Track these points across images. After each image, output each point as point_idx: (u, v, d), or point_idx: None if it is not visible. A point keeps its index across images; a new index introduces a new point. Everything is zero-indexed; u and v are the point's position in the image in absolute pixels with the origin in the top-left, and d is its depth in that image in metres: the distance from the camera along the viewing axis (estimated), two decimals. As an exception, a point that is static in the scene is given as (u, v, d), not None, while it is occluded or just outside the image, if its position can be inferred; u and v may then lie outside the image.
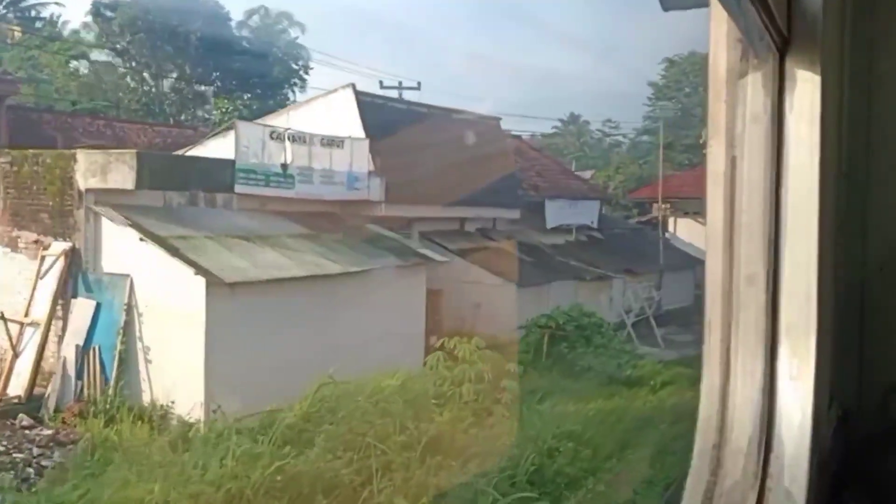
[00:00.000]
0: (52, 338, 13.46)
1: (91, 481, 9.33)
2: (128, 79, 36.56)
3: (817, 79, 1.57)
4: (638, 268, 28.22)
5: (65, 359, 12.97)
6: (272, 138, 16.29)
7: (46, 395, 12.90)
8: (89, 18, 36.78)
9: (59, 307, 13.41)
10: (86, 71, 36.89)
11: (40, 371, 13.16)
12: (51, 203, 13.95)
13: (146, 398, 12.89)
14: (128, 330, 13.28)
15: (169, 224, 13.73)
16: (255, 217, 15.72)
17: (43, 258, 13.52)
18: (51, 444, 11.48)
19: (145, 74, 35.86)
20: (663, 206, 40.08)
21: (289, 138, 16.63)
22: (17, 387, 13.17)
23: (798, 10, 1.57)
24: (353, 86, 18.86)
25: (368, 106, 21.23)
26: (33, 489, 9.84)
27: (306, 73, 43.45)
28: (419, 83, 30.76)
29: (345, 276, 14.98)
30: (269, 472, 8.30)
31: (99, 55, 37.59)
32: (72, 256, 13.65)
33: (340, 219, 18.17)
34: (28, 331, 13.64)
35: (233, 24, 38.76)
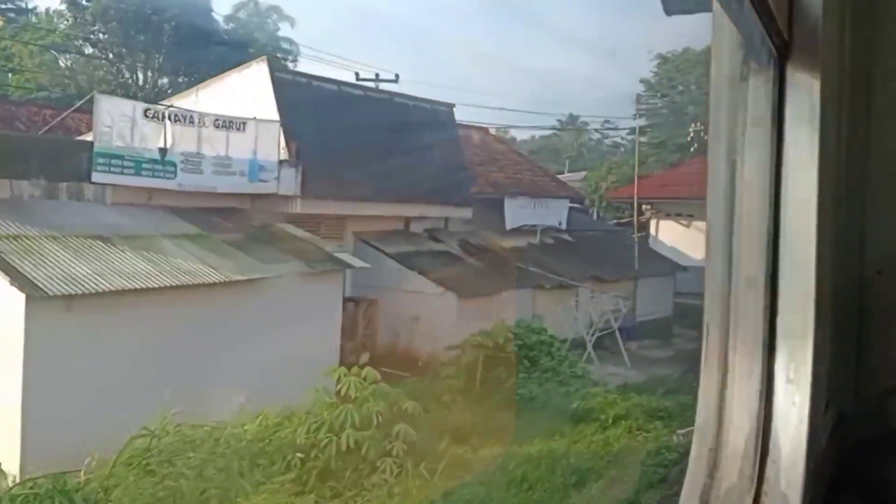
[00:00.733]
0: None
1: None
2: (103, 70, 36.43)
3: (817, 84, 1.58)
4: (609, 275, 26.78)
5: None
6: (147, 117, 14.32)
7: None
8: (63, 7, 35.33)
9: None
10: (64, 63, 37.38)
11: None
12: None
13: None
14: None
15: (3, 221, 11.44)
16: (131, 213, 13.91)
17: None
18: None
19: (121, 66, 36.22)
20: (645, 207, 38.97)
21: (169, 118, 14.68)
22: None
23: (799, 16, 1.59)
24: (268, 59, 15.56)
25: (286, 84, 19.51)
26: None
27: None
28: (396, 75, 28.72)
29: (230, 287, 13.08)
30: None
31: (72, 45, 37.19)
32: None
33: (247, 216, 16.65)
34: None
35: (215, 14, 38.29)
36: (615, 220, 36.78)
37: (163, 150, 12.30)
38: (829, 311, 1.68)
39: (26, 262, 10.11)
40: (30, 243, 10.73)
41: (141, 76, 34.58)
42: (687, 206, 35.51)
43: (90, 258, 10.99)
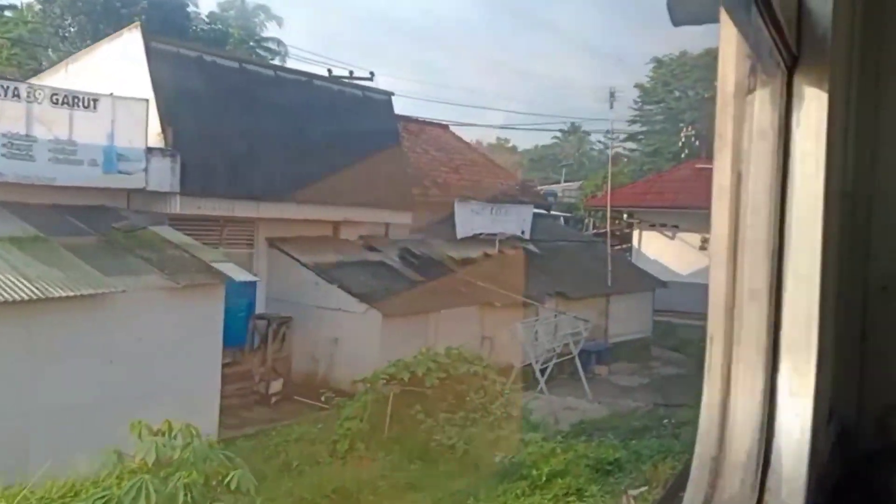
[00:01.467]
0: None
1: None
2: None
3: (825, 96, 1.62)
4: (576, 291, 23.82)
5: None
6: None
7: None
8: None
9: None
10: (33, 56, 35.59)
11: None
12: None
13: None
14: None
15: None
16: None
17: None
18: None
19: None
20: (629, 218, 35.70)
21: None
22: None
23: (807, 28, 1.62)
24: (140, 25, 12.25)
25: (165, 56, 16.51)
26: None
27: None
28: (371, 73, 25.78)
29: (55, 304, 10.29)
30: None
31: (41, 38, 35.87)
32: None
33: (116, 216, 13.98)
34: None
35: (190, 10, 38.28)
36: (594, 231, 33.25)
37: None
38: (832, 324, 1.71)
39: None
40: None
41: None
42: (672, 216, 33.32)
43: None
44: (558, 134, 66.06)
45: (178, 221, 13.99)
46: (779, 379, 1.63)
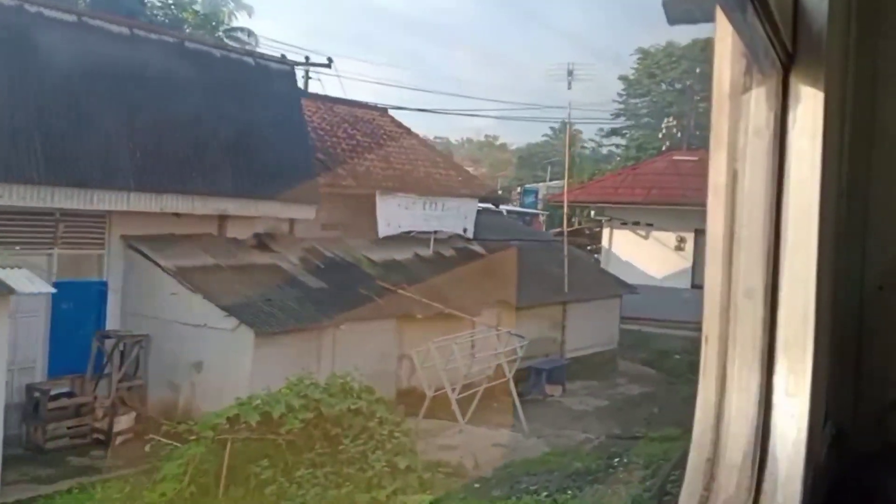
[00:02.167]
0: None
1: None
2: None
3: (821, 95, 1.64)
4: (525, 299, 20.32)
5: None
6: None
7: None
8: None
9: None
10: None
11: None
12: None
13: None
14: None
15: None
16: None
17: None
18: None
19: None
20: (596, 215, 33.25)
21: None
22: None
23: (803, 26, 1.65)
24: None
25: None
26: None
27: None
28: (329, 59, 25.56)
29: None
30: None
31: None
32: None
33: None
34: None
35: None
36: (558, 230, 29.76)
37: None
38: (828, 324, 1.77)
39: None
40: None
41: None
42: (646, 213, 30.12)
43: None
44: (549, 131, 64.28)
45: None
46: (775, 379, 1.66)
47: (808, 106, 1.60)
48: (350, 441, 10.82)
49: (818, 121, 1.59)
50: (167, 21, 35.54)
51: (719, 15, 1.58)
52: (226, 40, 38.31)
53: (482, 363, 16.05)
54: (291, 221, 17.42)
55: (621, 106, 57.09)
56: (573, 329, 22.51)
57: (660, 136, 40.59)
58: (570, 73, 23.90)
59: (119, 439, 13.05)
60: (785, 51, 1.57)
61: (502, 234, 24.67)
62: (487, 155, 72.18)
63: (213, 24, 39.05)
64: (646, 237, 29.76)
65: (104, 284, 14.52)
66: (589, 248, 32.01)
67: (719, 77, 1.64)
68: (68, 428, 12.65)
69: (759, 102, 1.61)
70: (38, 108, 12.96)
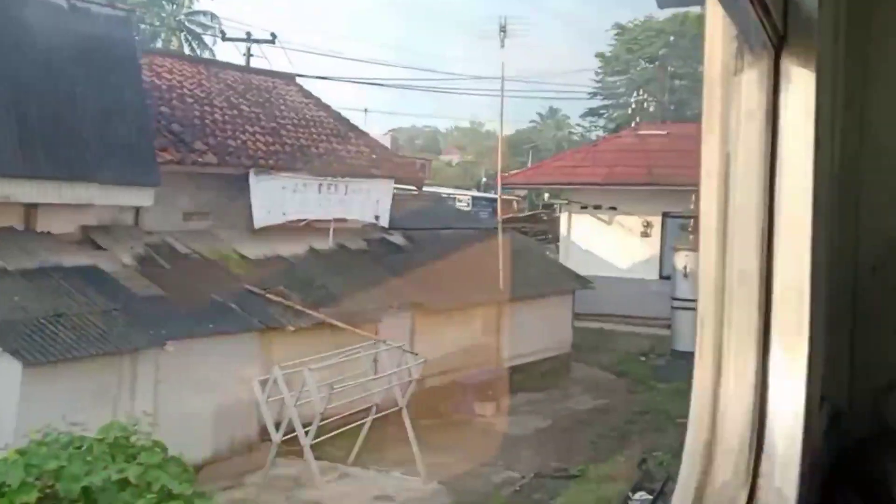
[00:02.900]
0: None
1: None
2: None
3: (812, 76, 1.65)
4: (448, 298, 16.88)
5: None
6: None
7: None
8: None
9: None
10: None
11: None
12: None
13: None
14: None
15: None
16: None
17: None
18: None
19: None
20: (553, 199, 30.06)
21: None
22: None
23: (794, 7, 1.65)
24: None
25: None
26: None
27: (191, 39, 39.57)
28: (273, 34, 24.57)
29: None
30: None
31: None
32: None
33: None
34: None
35: None
36: (509, 216, 26.05)
37: None
38: (823, 307, 1.78)
39: None
40: None
41: None
42: (609, 195, 26.20)
43: None
44: (536, 117, 63.59)
45: None
46: (770, 361, 1.66)
47: (800, 87, 1.62)
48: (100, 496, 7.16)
49: (810, 102, 1.62)
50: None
51: None
52: (187, 24, 38.09)
53: (363, 389, 12.38)
54: (137, 210, 13.83)
55: (598, 85, 54.33)
56: (514, 333, 19.84)
57: (629, 111, 37.40)
58: (501, 28, 20.39)
59: None
60: (776, 32, 1.60)
61: (435, 222, 21.02)
62: (472, 142, 71.28)
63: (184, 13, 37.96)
64: (609, 222, 26.53)
65: None
66: (547, 235, 28.50)
67: (710, 59, 1.66)
68: None
69: (750, 84, 1.63)
70: None
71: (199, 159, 15.12)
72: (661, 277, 25.18)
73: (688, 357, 17.50)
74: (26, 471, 8.22)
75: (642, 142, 28.12)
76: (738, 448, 1.62)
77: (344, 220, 17.32)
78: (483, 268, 20.42)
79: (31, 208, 12.66)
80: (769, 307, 1.63)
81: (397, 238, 19.13)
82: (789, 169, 1.61)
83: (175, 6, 39.39)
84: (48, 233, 12.91)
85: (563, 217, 28.25)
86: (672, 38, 46.97)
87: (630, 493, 12.34)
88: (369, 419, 12.94)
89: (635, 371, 23.27)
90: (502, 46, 22.67)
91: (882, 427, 1.99)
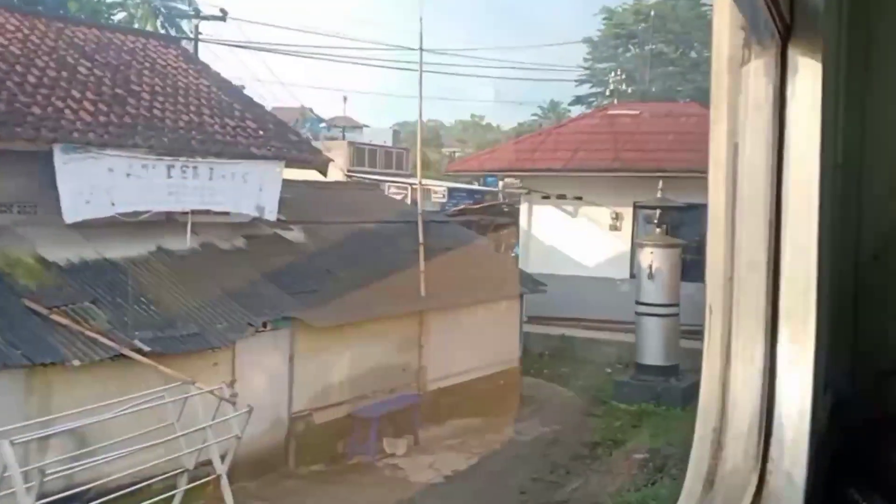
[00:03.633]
0: None
1: None
2: None
3: (818, 67, 1.64)
4: (350, 309, 13.32)
5: None
6: None
7: None
8: None
9: None
10: None
11: None
12: None
13: None
14: None
15: None
16: None
17: None
18: None
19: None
20: (510, 188, 27.34)
21: None
22: None
23: None
24: None
25: None
26: None
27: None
28: (223, 10, 21.78)
29: None
30: None
31: None
32: None
33: None
34: None
35: None
36: (458, 209, 22.02)
37: None
38: (828, 294, 1.80)
39: None
40: None
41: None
42: (573, 184, 22.21)
43: None
44: (538, 111, 61.71)
45: None
46: (778, 348, 1.68)
47: (807, 78, 1.62)
48: None
49: (816, 92, 1.63)
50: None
51: None
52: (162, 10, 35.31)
53: (167, 451, 8.65)
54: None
55: (587, 72, 50.92)
56: (443, 348, 16.16)
57: (607, 92, 33.89)
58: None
59: None
60: (783, 22, 1.60)
61: (358, 215, 17.24)
62: (474, 135, 71.62)
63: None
64: (574, 214, 22.45)
65: None
66: (505, 230, 24.76)
67: (718, 50, 1.67)
68: None
69: (758, 75, 1.63)
70: None
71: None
72: (632, 276, 22.03)
73: (654, 372, 16.21)
74: None
75: (611, 123, 25.30)
76: (748, 433, 1.64)
77: (209, 213, 12.96)
78: (404, 270, 16.93)
79: None
80: (777, 295, 1.64)
81: (295, 234, 15.50)
82: (796, 159, 1.61)
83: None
84: None
85: (524, 208, 25.92)
86: (653, 13, 43.99)
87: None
88: (180, 491, 9.19)
89: (598, 386, 19.94)
90: (420, 16, 19.23)
91: (884, 412, 2.05)
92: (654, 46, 47.21)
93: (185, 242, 13.03)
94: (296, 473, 11.72)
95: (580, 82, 58.66)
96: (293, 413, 12.55)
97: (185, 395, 9.52)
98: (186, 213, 12.83)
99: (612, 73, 41.21)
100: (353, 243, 16.20)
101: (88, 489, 7.83)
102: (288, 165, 16.43)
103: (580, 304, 21.59)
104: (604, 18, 57.07)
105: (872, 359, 2.02)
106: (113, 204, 12.01)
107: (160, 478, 8.82)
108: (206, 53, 27.08)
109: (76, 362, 9.84)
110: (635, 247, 22.26)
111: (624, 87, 37.51)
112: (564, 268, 22.09)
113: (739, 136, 1.60)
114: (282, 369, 12.41)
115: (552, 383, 18.89)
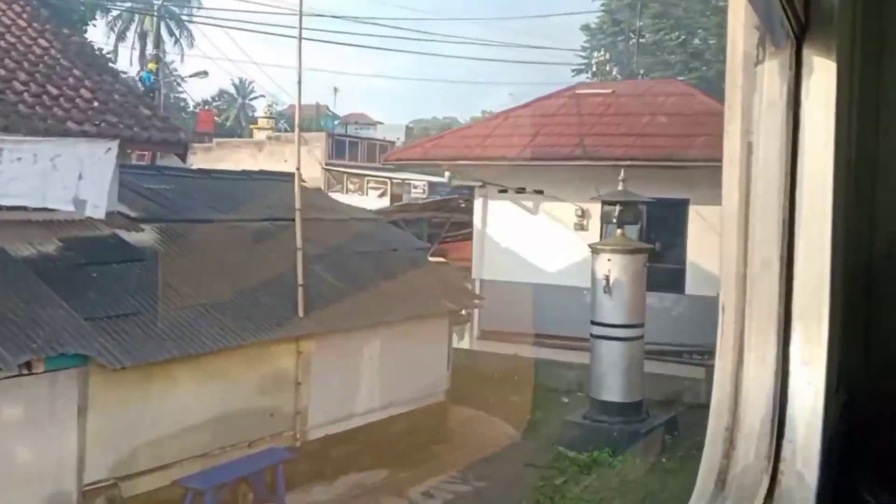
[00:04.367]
0: None
1: None
2: None
3: (833, 66, 1.67)
4: (181, 340, 9.62)
5: None
6: None
7: None
8: None
9: None
10: None
11: None
12: None
13: None
14: None
15: None
16: None
17: None
18: None
19: None
20: (458, 180, 20.07)
21: None
22: None
23: None
24: None
25: None
26: None
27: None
28: None
29: None
30: None
31: None
32: None
33: None
34: None
35: None
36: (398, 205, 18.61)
37: None
38: (841, 293, 1.82)
39: None
40: None
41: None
42: (532, 176, 18.18)
43: None
44: None
45: None
46: (791, 347, 1.67)
47: (821, 77, 1.63)
48: None
49: (831, 92, 1.64)
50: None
51: None
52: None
53: None
54: None
55: (584, 61, 47.52)
56: (334, 383, 12.69)
57: (589, 74, 30.56)
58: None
59: None
60: (798, 22, 1.63)
61: (244, 213, 13.68)
62: None
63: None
64: (534, 211, 18.79)
65: None
66: (455, 234, 21.30)
67: (733, 49, 1.66)
68: None
69: (772, 74, 1.62)
70: None
71: None
72: (602, 285, 19.34)
73: (612, 410, 12.45)
74: None
75: (577, 104, 22.74)
76: (760, 432, 1.65)
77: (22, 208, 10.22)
78: (281, 284, 13.12)
79: None
80: (790, 295, 1.65)
81: (142, 237, 11.52)
82: (810, 158, 1.63)
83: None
84: None
85: (477, 204, 22.39)
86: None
87: None
88: None
89: (549, 421, 16.29)
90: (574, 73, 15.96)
91: (894, 410, 2.09)
92: (655, 35, 47.00)
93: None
94: None
95: (577, 72, 56.01)
96: (85, 484, 8.96)
97: None
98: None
99: (595, 53, 37.84)
100: (222, 248, 12.65)
101: None
102: (135, 148, 13.34)
103: (540, 318, 18.55)
104: (601, 3, 55.37)
105: (885, 357, 2.04)
106: None
107: None
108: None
109: None
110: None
111: (608, 67, 34.49)
112: (523, 274, 19.02)
113: (753, 135, 1.56)
114: (66, 425, 8.85)
115: (494, 417, 15.68)
